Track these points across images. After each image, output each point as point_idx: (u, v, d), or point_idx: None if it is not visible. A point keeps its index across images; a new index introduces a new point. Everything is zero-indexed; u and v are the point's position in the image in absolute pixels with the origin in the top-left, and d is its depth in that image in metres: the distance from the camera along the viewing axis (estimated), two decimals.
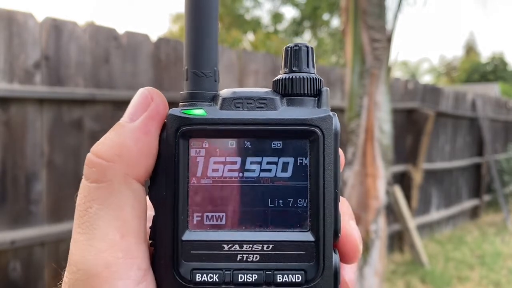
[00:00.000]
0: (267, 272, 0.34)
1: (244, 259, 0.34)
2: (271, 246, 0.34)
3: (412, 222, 5.11)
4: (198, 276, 0.34)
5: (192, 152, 0.35)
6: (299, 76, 0.36)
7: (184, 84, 0.37)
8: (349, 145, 3.46)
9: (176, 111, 0.35)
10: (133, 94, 0.38)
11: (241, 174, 0.35)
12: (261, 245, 0.34)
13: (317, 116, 0.35)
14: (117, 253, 0.32)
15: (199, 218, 0.35)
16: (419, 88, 5.87)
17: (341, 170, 0.38)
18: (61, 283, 0.35)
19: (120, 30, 2.83)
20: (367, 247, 3.33)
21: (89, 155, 0.34)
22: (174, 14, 22.54)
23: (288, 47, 0.38)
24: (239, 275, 0.33)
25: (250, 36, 18.57)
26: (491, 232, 6.67)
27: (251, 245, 0.34)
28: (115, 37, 2.79)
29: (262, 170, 0.35)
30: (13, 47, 2.35)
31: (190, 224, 0.35)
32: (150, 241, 0.35)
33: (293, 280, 0.34)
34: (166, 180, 0.34)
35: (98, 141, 0.34)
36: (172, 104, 0.33)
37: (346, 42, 3.63)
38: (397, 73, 37.07)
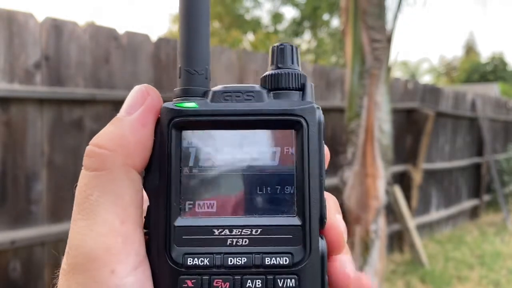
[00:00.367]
0: (256, 255, 0.35)
1: (234, 243, 0.35)
2: (259, 230, 0.36)
3: (412, 222, 5.11)
4: (190, 260, 0.35)
5: (184, 143, 0.37)
6: (285, 72, 0.38)
7: (178, 82, 0.39)
8: (349, 145, 3.46)
9: (169, 104, 0.37)
10: None
11: (231, 163, 0.37)
12: (250, 230, 0.36)
13: (301, 106, 0.37)
14: (117, 238, 0.33)
15: (191, 206, 0.36)
16: (419, 88, 5.88)
17: (326, 165, 0.39)
18: (58, 272, 0.35)
19: (120, 30, 2.84)
20: (367, 247, 3.33)
21: (88, 147, 0.35)
22: (174, 14, 22.54)
23: (275, 46, 0.40)
24: (229, 259, 0.35)
25: (250, 36, 18.57)
26: (491, 232, 6.67)
27: (240, 230, 0.36)
28: (115, 37, 2.79)
29: (251, 159, 0.37)
30: (13, 47, 2.35)
31: (182, 212, 0.36)
32: (145, 231, 0.36)
33: (281, 263, 0.35)
34: (159, 170, 0.36)
35: (96, 134, 0.36)
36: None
37: (346, 42, 3.63)
38: (397, 73, 37.07)
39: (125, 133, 0.35)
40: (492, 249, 5.76)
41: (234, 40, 15.56)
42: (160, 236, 0.35)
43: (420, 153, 5.39)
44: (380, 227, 3.38)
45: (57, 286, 0.35)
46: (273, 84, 0.38)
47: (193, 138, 0.37)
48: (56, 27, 2.52)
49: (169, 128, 0.36)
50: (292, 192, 0.36)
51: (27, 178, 2.41)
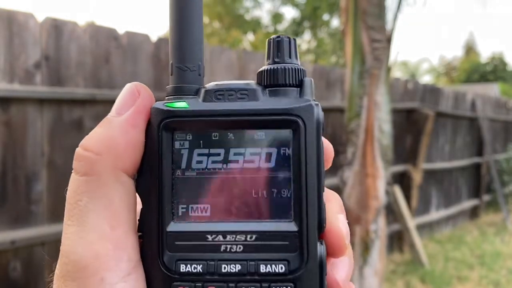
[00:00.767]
0: (250, 263, 0.34)
1: (228, 249, 0.34)
2: (254, 236, 0.34)
3: (412, 222, 5.11)
4: (183, 266, 0.34)
5: (176, 145, 0.35)
6: (281, 67, 0.36)
7: (170, 79, 0.37)
8: (349, 145, 3.46)
9: (159, 104, 0.36)
10: None
11: (224, 166, 0.35)
12: (244, 236, 0.34)
13: (298, 105, 0.35)
14: (107, 245, 0.32)
15: (184, 210, 0.35)
16: (419, 88, 5.88)
17: (329, 164, 0.37)
18: (53, 275, 0.35)
19: (120, 30, 2.84)
20: (367, 247, 3.33)
21: (77, 149, 0.34)
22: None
23: (271, 39, 0.38)
24: (223, 266, 0.34)
25: (250, 36, 18.57)
26: (490, 232, 6.67)
27: (234, 236, 0.34)
28: (115, 37, 2.79)
29: (245, 161, 0.35)
30: (13, 47, 2.35)
31: (175, 216, 0.35)
32: (139, 234, 0.35)
33: (276, 271, 0.34)
34: (151, 173, 0.35)
35: (86, 136, 0.35)
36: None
37: (346, 42, 3.63)
38: (397, 73, 37.06)
39: (114, 135, 0.34)
40: (492, 249, 5.76)
41: (234, 40, 15.56)
42: (152, 242, 0.34)
43: (420, 153, 5.39)
44: (380, 227, 3.38)
45: None
46: (269, 81, 0.36)
47: (185, 139, 0.35)
48: (56, 27, 2.52)
49: (160, 129, 0.35)
50: (288, 195, 0.35)
51: (27, 178, 2.41)
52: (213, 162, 0.35)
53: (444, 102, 6.43)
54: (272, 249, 0.34)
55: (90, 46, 2.67)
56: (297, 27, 19.00)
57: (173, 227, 0.35)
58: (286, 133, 0.35)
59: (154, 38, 3.02)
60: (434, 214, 6.31)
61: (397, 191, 5.04)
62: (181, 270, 0.34)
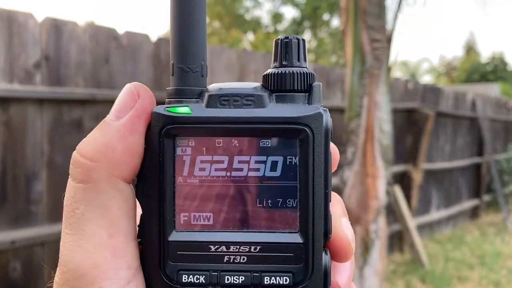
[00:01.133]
0: (254, 274, 0.33)
1: (231, 260, 0.33)
2: (258, 247, 0.33)
3: (412, 222, 5.11)
4: (185, 277, 0.33)
5: (178, 151, 0.34)
6: (289, 71, 0.34)
7: (170, 80, 0.35)
8: (349, 145, 3.46)
9: (160, 109, 0.34)
10: None
11: (228, 174, 0.34)
12: (248, 247, 0.33)
13: (306, 114, 0.33)
14: (104, 253, 0.32)
15: (186, 218, 0.34)
16: (419, 88, 5.88)
17: (334, 168, 0.36)
18: (53, 282, 0.35)
19: (120, 30, 2.84)
20: (367, 247, 3.33)
21: (74, 153, 0.33)
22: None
23: (278, 39, 0.36)
24: (226, 277, 0.33)
25: (250, 36, 18.56)
26: (491, 232, 6.67)
27: (238, 246, 0.33)
28: (115, 37, 2.79)
29: (250, 170, 0.34)
30: (13, 47, 2.35)
31: (177, 225, 0.34)
32: (139, 240, 0.34)
33: (281, 283, 0.33)
34: (152, 179, 0.34)
35: (83, 139, 0.34)
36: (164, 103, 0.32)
37: (346, 42, 3.63)
38: (397, 73, 37.06)
39: (112, 141, 0.33)
40: (492, 249, 5.76)
41: (234, 40, 15.56)
42: (154, 250, 0.33)
43: (420, 153, 5.39)
44: (380, 227, 3.38)
45: None
46: (277, 85, 0.34)
47: (188, 145, 0.34)
48: (56, 27, 2.52)
49: (161, 135, 0.33)
50: (294, 206, 0.33)
51: (27, 178, 2.41)
52: (217, 169, 0.34)
53: (444, 102, 6.43)
54: (277, 261, 0.33)
55: (90, 46, 2.67)
56: (297, 27, 18.99)
57: (175, 236, 0.34)
58: (293, 142, 0.34)
59: (154, 38, 3.02)
60: (434, 214, 6.30)
61: (397, 191, 5.04)
62: (183, 281, 0.33)
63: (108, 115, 0.34)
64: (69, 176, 0.34)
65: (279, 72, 0.35)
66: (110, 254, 0.32)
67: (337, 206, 0.37)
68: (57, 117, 2.54)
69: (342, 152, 3.56)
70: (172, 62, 0.35)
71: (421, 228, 5.77)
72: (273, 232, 0.34)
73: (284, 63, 0.35)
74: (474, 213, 7.51)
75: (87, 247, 0.32)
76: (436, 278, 4.68)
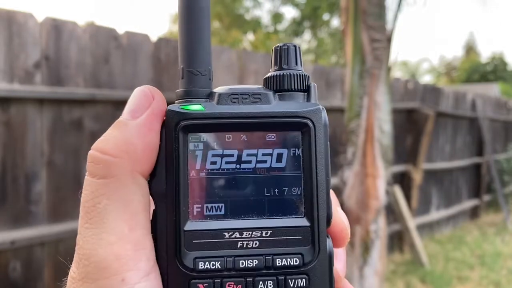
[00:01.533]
0: (266, 257, 0.35)
1: (245, 245, 0.36)
2: (269, 232, 0.36)
3: (412, 222, 5.11)
4: (201, 264, 0.35)
5: (191, 146, 0.36)
6: (289, 73, 0.38)
7: (180, 83, 0.38)
8: (349, 145, 3.46)
9: (174, 107, 0.36)
10: None
11: (238, 166, 0.37)
12: (260, 232, 0.36)
13: (308, 109, 0.37)
14: (126, 245, 0.33)
15: (199, 209, 0.36)
16: (419, 88, 5.88)
17: None
18: (66, 279, 0.35)
19: (120, 30, 2.84)
20: (367, 247, 3.33)
21: (92, 152, 0.34)
22: (174, 14, 22.54)
23: (278, 46, 0.40)
24: (240, 261, 0.35)
25: (250, 36, 18.56)
26: (491, 232, 6.67)
27: (250, 232, 0.36)
28: (115, 37, 2.79)
29: (258, 162, 0.37)
30: (13, 47, 2.35)
31: (191, 215, 0.36)
32: (152, 234, 0.36)
33: (292, 263, 0.35)
34: (166, 174, 0.36)
35: (99, 139, 0.35)
36: (171, 104, 0.33)
37: (346, 42, 3.63)
38: (397, 73, 37.08)
39: (132, 138, 0.34)
40: (492, 249, 5.76)
41: (234, 40, 15.56)
42: (169, 241, 0.35)
43: (420, 153, 5.39)
44: (380, 227, 3.38)
45: None
46: (278, 86, 0.38)
47: (200, 140, 0.37)
48: (56, 27, 2.52)
49: (176, 131, 0.36)
50: (299, 193, 0.37)
51: (27, 178, 2.41)
52: (227, 162, 0.37)
53: (444, 102, 6.43)
54: (287, 244, 0.36)
55: (90, 46, 2.67)
56: (297, 27, 18.99)
57: (190, 226, 0.36)
58: (296, 134, 0.37)
59: (154, 38, 3.02)
60: (434, 214, 6.31)
61: (397, 191, 5.04)
62: (200, 268, 0.35)
63: (122, 116, 0.36)
64: (87, 174, 0.35)
65: (281, 74, 0.39)
66: (131, 246, 0.33)
67: (331, 196, 0.39)
68: (57, 117, 2.54)
69: (342, 152, 3.56)
70: (181, 66, 0.38)
71: (421, 228, 5.77)
72: (282, 217, 0.37)
73: (284, 66, 0.39)
74: (474, 213, 7.51)
75: (110, 239, 0.33)
76: (436, 278, 4.68)
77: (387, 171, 3.45)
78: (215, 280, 0.35)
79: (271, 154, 0.37)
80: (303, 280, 0.35)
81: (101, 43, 2.72)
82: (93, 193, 0.34)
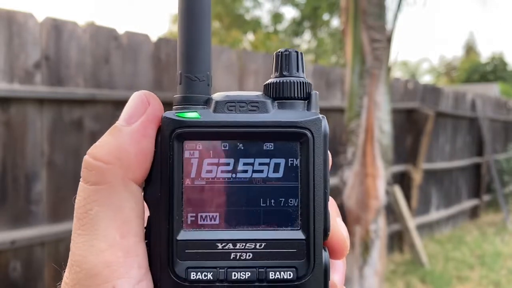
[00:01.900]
0: (259, 270, 0.35)
1: (238, 257, 0.35)
2: (263, 244, 0.35)
3: (412, 222, 5.11)
4: (193, 274, 0.34)
5: (186, 154, 0.36)
6: (290, 80, 0.37)
7: (178, 88, 0.37)
8: (349, 145, 3.46)
9: (170, 114, 0.36)
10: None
11: (234, 175, 0.36)
12: (253, 244, 0.35)
13: (307, 118, 0.36)
14: (117, 253, 0.33)
15: (193, 218, 0.36)
16: (419, 88, 5.88)
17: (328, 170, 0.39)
18: (60, 284, 0.35)
19: (120, 30, 2.84)
20: (367, 247, 3.33)
21: (86, 158, 0.34)
22: (174, 14, 22.54)
23: (279, 52, 0.39)
24: (233, 273, 0.34)
25: (250, 36, 18.56)
26: (491, 232, 6.67)
27: (244, 244, 0.35)
28: (115, 37, 2.79)
29: (254, 171, 0.36)
30: (13, 47, 2.35)
31: (184, 224, 0.35)
32: (146, 241, 0.36)
33: (285, 277, 0.35)
34: (161, 181, 0.35)
35: (94, 144, 0.35)
36: (170, 106, 0.33)
37: (346, 42, 3.63)
38: (397, 73, 37.07)
39: (125, 144, 0.34)
40: (492, 249, 5.76)
41: (234, 40, 15.55)
42: (162, 250, 0.35)
43: (420, 153, 5.39)
44: (380, 227, 3.38)
45: None
46: (278, 93, 0.37)
47: (195, 148, 0.36)
48: (56, 27, 2.52)
49: (171, 139, 0.35)
50: (296, 204, 0.36)
51: (27, 178, 2.41)
52: (223, 171, 0.36)
53: (444, 102, 6.43)
54: (281, 257, 0.35)
55: (90, 46, 2.67)
56: (297, 27, 18.99)
57: (183, 235, 0.35)
58: (294, 145, 0.36)
59: (154, 38, 3.02)
60: (434, 214, 6.31)
61: (397, 191, 5.04)
62: (192, 278, 0.34)
63: (117, 121, 0.36)
64: (81, 179, 0.35)
65: (281, 81, 0.37)
66: (123, 253, 0.33)
67: (331, 207, 0.39)
68: (57, 117, 2.54)
69: (342, 152, 3.56)
70: (180, 71, 0.37)
71: (421, 228, 5.77)
72: (277, 229, 0.36)
73: (284, 73, 0.38)
74: (474, 213, 7.51)
75: (101, 246, 0.33)
76: (436, 278, 4.68)
77: (387, 171, 3.45)
78: None
79: (268, 164, 0.36)
80: None
81: (101, 43, 2.72)
82: (85, 200, 0.34)
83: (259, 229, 0.36)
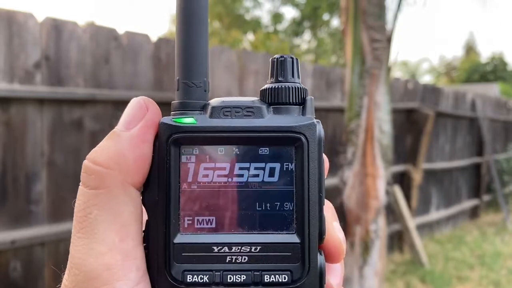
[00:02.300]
0: (255, 273, 0.35)
1: (233, 260, 0.35)
2: (258, 248, 0.36)
3: (412, 222, 5.11)
4: (189, 277, 0.35)
5: (183, 159, 0.36)
6: (285, 86, 0.38)
7: (176, 94, 0.38)
8: (349, 145, 3.46)
9: (167, 119, 0.37)
10: (133, 94, 0.38)
11: (230, 180, 0.37)
12: (249, 247, 0.36)
13: (302, 123, 0.36)
14: (116, 256, 0.33)
15: (190, 222, 0.36)
16: (419, 88, 5.88)
17: (325, 175, 0.39)
18: (60, 285, 0.35)
19: (120, 30, 2.84)
20: (367, 247, 3.33)
21: (86, 162, 0.35)
22: (173, 14, 22.51)
23: (275, 58, 0.39)
24: (228, 276, 0.35)
25: (250, 36, 18.56)
26: (490, 232, 6.67)
27: (239, 247, 0.36)
28: (115, 37, 2.79)
29: (250, 176, 0.37)
30: (13, 47, 2.35)
31: (181, 228, 0.36)
32: (144, 245, 0.36)
33: (280, 280, 0.35)
34: (158, 185, 0.36)
35: (94, 149, 0.35)
36: (169, 110, 0.33)
37: (346, 42, 3.63)
38: (397, 73, 37.09)
39: (124, 150, 0.35)
40: (492, 249, 5.76)
41: (234, 40, 15.55)
42: (159, 253, 0.35)
43: (420, 153, 5.39)
44: (380, 227, 3.38)
45: None
46: (273, 99, 0.38)
47: (192, 153, 0.37)
48: (56, 27, 2.52)
49: (168, 144, 0.36)
50: (291, 208, 0.36)
51: (27, 178, 2.41)
52: (219, 176, 0.37)
53: (444, 102, 6.43)
54: (276, 260, 0.36)
55: (90, 46, 2.67)
56: (297, 27, 19.00)
57: (179, 238, 0.36)
58: (289, 149, 0.37)
59: (154, 38, 3.02)
60: (434, 214, 6.31)
61: (397, 191, 5.04)
62: (188, 281, 0.35)
63: (117, 127, 0.36)
64: (81, 184, 0.35)
65: (276, 86, 0.38)
66: (121, 256, 0.33)
67: (328, 211, 0.39)
68: (57, 117, 2.54)
69: (342, 152, 3.56)
70: (177, 78, 0.38)
71: (421, 228, 5.77)
72: (272, 233, 0.36)
73: (280, 79, 0.39)
74: (473, 213, 7.51)
75: (100, 249, 0.33)
76: (436, 278, 4.68)
77: (387, 171, 3.45)
78: None
79: (263, 168, 0.37)
80: None
81: (101, 43, 2.72)
82: (85, 203, 0.34)
83: (254, 233, 0.36)
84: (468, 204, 7.26)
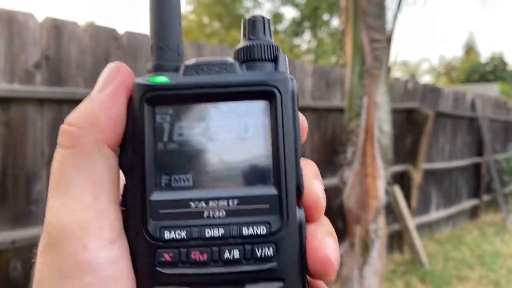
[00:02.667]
0: (233, 226, 0.35)
1: (211, 215, 0.35)
2: (236, 201, 0.35)
3: (411, 222, 5.11)
4: (167, 233, 0.35)
5: (158, 118, 0.36)
6: (257, 43, 0.38)
7: (150, 59, 0.38)
8: (349, 145, 3.46)
9: (140, 79, 0.37)
10: None
11: (205, 136, 0.37)
12: (226, 201, 0.35)
13: (275, 77, 0.36)
14: (89, 213, 0.33)
15: (166, 180, 0.36)
16: (418, 88, 5.88)
17: (304, 136, 0.39)
18: (37, 249, 0.36)
19: (120, 30, 2.84)
20: (367, 247, 3.33)
21: (62, 125, 0.36)
22: None
23: (246, 19, 0.39)
24: (206, 230, 0.35)
25: None
26: (490, 232, 6.68)
27: (216, 202, 0.35)
28: (115, 37, 2.79)
29: (225, 132, 0.37)
30: (13, 47, 2.35)
31: (158, 186, 0.36)
32: (123, 208, 0.36)
33: (258, 233, 0.35)
34: (134, 146, 0.36)
35: (70, 114, 0.36)
36: None
37: (346, 42, 3.63)
38: (397, 73, 37.10)
39: (95, 109, 0.35)
40: (492, 249, 5.77)
41: (234, 40, 15.55)
42: (136, 211, 0.35)
43: (420, 153, 5.40)
44: (380, 227, 3.38)
45: (35, 265, 0.36)
46: (246, 56, 0.38)
47: (166, 112, 0.36)
48: (56, 27, 2.52)
49: (141, 103, 0.36)
50: (268, 162, 0.36)
51: (27, 178, 2.42)
52: (194, 133, 0.37)
53: (444, 102, 6.43)
54: (254, 213, 0.35)
55: (90, 46, 2.67)
56: (297, 27, 19.00)
57: (156, 196, 0.35)
58: (263, 103, 0.37)
59: None
60: (434, 214, 6.31)
61: (397, 191, 5.04)
62: (165, 237, 0.35)
63: (92, 92, 0.37)
64: (57, 145, 0.35)
65: (248, 44, 0.38)
66: (95, 215, 0.33)
67: (308, 168, 0.39)
68: (57, 117, 2.54)
69: (342, 152, 3.57)
70: (151, 44, 0.38)
71: (420, 228, 5.77)
72: (249, 187, 0.36)
73: (251, 37, 0.39)
74: (473, 213, 7.52)
75: (74, 206, 0.33)
76: (436, 278, 4.68)
77: (386, 171, 3.46)
78: (181, 249, 0.34)
79: (238, 124, 0.37)
80: (271, 248, 0.35)
81: (101, 43, 2.72)
82: (60, 163, 0.35)
83: (231, 187, 0.36)
84: (468, 204, 7.27)
